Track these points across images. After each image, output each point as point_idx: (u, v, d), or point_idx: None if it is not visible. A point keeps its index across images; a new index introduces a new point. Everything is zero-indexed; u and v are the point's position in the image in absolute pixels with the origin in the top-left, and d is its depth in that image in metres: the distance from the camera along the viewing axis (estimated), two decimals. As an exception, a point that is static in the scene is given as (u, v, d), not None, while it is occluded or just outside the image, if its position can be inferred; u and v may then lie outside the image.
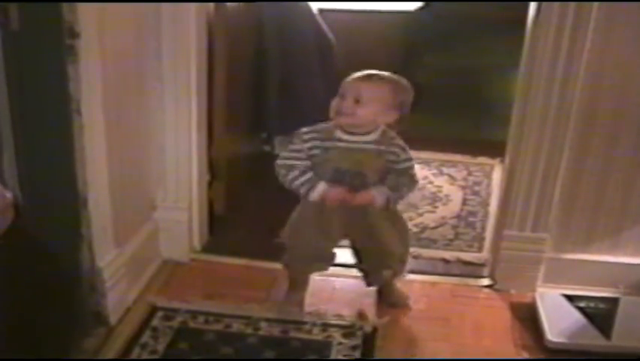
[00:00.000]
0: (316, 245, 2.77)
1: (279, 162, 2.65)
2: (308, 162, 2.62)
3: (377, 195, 2.62)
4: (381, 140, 2.61)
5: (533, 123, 2.80)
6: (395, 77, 2.63)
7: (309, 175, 2.61)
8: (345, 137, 2.60)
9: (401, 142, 2.65)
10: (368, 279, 2.90)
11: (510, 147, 3.04)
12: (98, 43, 2.37)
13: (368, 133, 2.60)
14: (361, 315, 2.84)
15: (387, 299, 2.91)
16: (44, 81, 2.29)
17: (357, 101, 2.54)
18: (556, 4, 2.63)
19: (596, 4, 2.60)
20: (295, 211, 2.75)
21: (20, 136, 2.28)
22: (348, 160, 2.60)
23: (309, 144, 2.61)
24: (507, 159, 3.09)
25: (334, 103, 2.59)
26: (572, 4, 2.61)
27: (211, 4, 3.11)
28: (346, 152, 2.60)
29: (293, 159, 2.63)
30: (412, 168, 2.68)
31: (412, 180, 2.70)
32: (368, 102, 2.54)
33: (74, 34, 2.26)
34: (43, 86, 2.29)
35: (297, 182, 2.62)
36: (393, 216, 2.77)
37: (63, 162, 2.40)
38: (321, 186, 2.60)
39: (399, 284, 2.95)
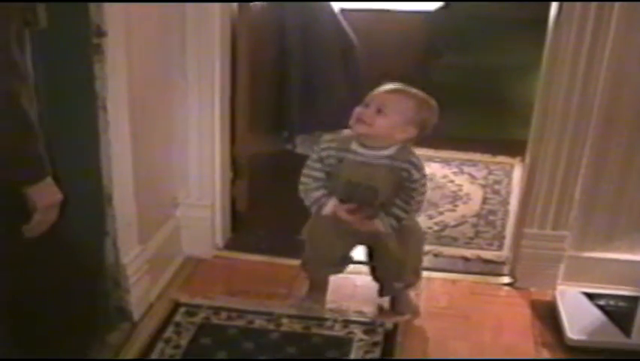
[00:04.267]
0: (331, 250, 2.78)
1: (302, 178, 2.65)
2: (323, 174, 2.62)
3: (380, 226, 2.61)
4: (397, 156, 2.57)
5: (554, 122, 2.81)
6: (423, 94, 2.59)
7: (320, 193, 2.62)
8: (360, 150, 2.57)
9: (417, 160, 2.60)
10: (381, 290, 2.89)
11: (531, 145, 3.05)
12: (124, 42, 2.41)
13: (383, 148, 2.57)
14: (381, 310, 2.87)
15: (397, 307, 2.89)
16: (71, 79, 2.32)
17: (379, 111, 2.51)
18: (578, 3, 2.64)
19: (617, 3, 2.61)
20: (312, 215, 2.74)
21: (47, 133, 2.30)
22: (359, 174, 2.58)
23: (325, 153, 2.60)
24: (528, 158, 3.10)
25: (357, 110, 2.55)
26: (594, 3, 2.62)
27: (234, 4, 3.14)
28: (358, 165, 2.58)
29: (310, 170, 2.64)
30: (420, 189, 2.62)
31: (418, 203, 2.66)
32: (389, 114, 2.51)
33: (101, 34, 2.29)
34: (70, 83, 2.32)
35: (309, 200, 2.64)
36: (407, 229, 2.72)
37: (89, 158, 2.44)
38: (331, 204, 2.61)
39: (412, 293, 2.93)
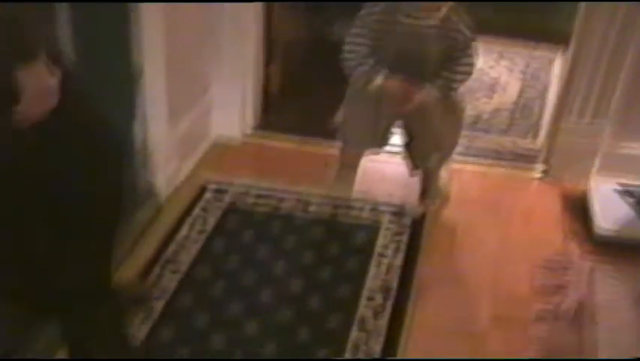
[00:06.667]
0: (370, 124, 2.70)
1: (345, 46, 2.57)
2: (369, 45, 2.54)
3: (432, 92, 2.55)
4: (443, 25, 2.50)
5: (602, 10, 2.72)
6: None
7: (368, 66, 2.54)
8: (407, 20, 2.50)
9: (464, 27, 2.53)
10: (415, 161, 2.82)
11: (576, 32, 2.93)
12: None
13: (429, 17, 2.50)
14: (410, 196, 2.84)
15: (427, 192, 2.85)
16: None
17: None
18: None
19: None
20: (350, 89, 2.68)
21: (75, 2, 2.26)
22: (408, 44, 2.51)
23: (369, 26, 2.53)
24: (572, 45, 2.99)
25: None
26: None
27: None
28: (407, 35, 2.51)
29: (354, 45, 2.55)
30: (468, 55, 2.57)
31: (468, 66, 2.59)
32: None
33: None
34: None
35: (357, 73, 2.56)
36: (451, 102, 2.68)
37: (119, 28, 2.38)
38: (379, 80, 2.53)
39: (444, 175, 2.90)
